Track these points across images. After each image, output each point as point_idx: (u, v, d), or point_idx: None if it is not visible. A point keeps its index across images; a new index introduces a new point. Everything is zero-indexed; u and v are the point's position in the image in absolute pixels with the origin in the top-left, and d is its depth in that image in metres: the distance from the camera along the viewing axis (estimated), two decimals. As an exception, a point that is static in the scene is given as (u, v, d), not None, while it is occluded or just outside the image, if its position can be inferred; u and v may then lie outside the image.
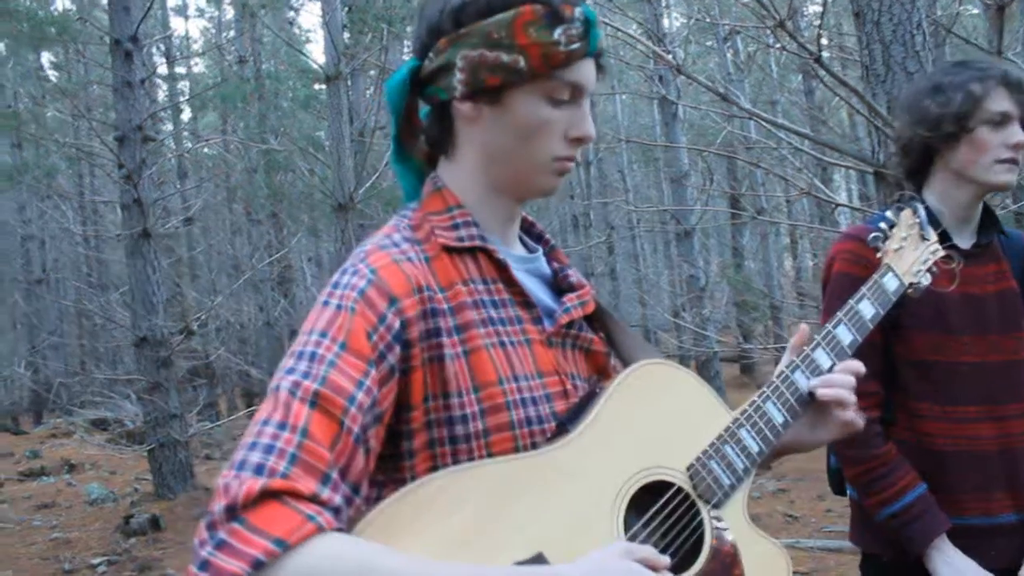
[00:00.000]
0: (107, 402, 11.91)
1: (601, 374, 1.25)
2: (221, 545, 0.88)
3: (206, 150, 19.08)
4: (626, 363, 1.24)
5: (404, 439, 1.07)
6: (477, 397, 1.08)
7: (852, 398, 1.26)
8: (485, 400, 1.08)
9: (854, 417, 1.27)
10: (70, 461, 11.52)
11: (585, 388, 1.19)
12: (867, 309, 1.37)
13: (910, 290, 1.44)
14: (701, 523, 1.15)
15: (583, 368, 1.22)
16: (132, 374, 9.52)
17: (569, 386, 1.16)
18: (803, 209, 16.93)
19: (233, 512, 0.90)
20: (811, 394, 1.27)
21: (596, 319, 1.27)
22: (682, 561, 1.12)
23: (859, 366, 1.29)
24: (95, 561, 7.02)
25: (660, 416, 1.16)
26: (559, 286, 1.25)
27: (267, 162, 14.76)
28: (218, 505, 0.91)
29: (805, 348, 1.30)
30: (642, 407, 1.15)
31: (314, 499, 0.93)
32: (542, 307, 1.19)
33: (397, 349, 1.04)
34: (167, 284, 9.53)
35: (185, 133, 20.51)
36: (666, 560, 1.03)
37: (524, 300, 1.17)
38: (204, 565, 0.88)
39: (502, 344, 1.12)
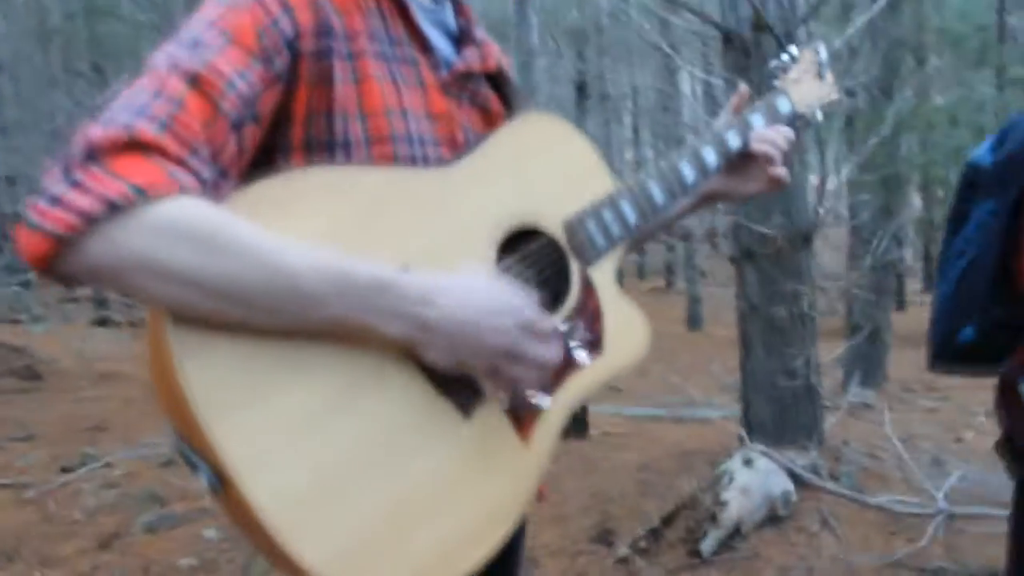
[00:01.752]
0: None
1: None
2: (76, 185, 0.84)
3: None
4: None
5: (279, 155, 1.04)
6: (363, 126, 1.05)
7: (780, 155, 1.34)
8: (371, 130, 1.05)
9: (783, 173, 1.35)
10: None
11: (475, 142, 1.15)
12: (757, 121, 1.40)
13: (799, 121, 1.47)
14: (569, 276, 1.14)
15: (477, 124, 1.18)
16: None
17: (460, 136, 1.14)
18: (647, 99, 17.12)
19: (93, 156, 0.85)
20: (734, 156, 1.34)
21: (497, 82, 1.23)
22: (546, 308, 1.08)
23: (789, 133, 1.38)
24: None
25: (545, 166, 1.14)
26: (462, 41, 1.20)
27: (87, 6, 13.44)
28: (76, 149, 0.86)
29: (698, 143, 1.33)
30: (529, 153, 1.13)
31: (181, 163, 0.88)
32: (441, 56, 1.16)
33: (286, 55, 1.00)
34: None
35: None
36: (533, 296, 1.02)
37: (422, 44, 1.13)
38: (54, 201, 0.84)
39: (394, 80, 1.09)
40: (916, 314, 12.54)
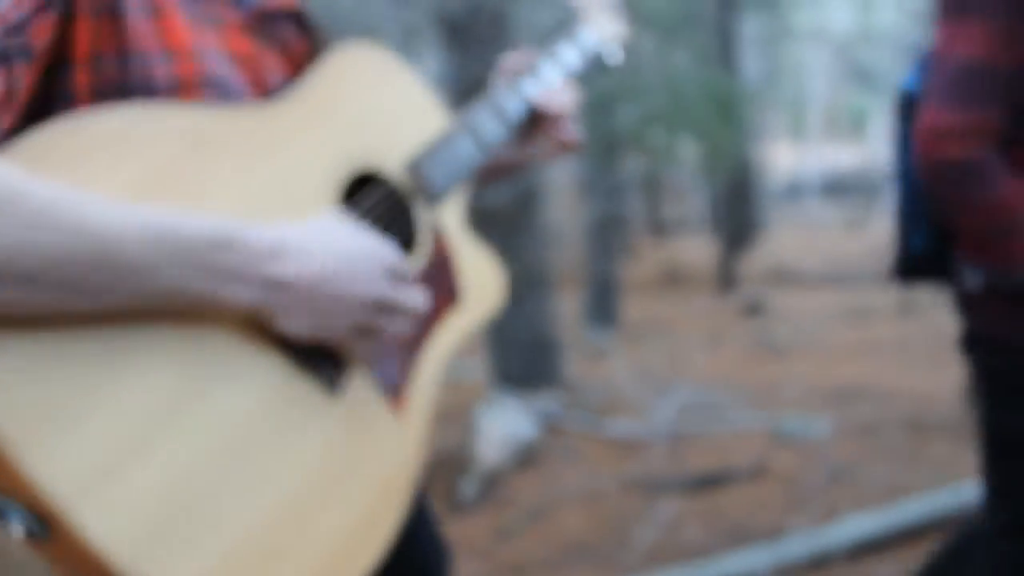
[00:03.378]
0: None
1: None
2: None
3: None
4: None
5: (59, 106, 0.79)
6: (168, 68, 0.82)
7: (569, 117, 1.18)
8: (177, 72, 0.83)
9: (573, 136, 1.18)
10: None
11: (280, 86, 0.97)
12: (568, 53, 1.25)
13: (601, 57, 1.36)
14: (414, 220, 1.00)
15: (282, 66, 0.98)
16: None
17: (267, 80, 0.94)
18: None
19: None
20: (529, 114, 1.16)
21: (298, 22, 1.04)
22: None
23: (573, 97, 1.20)
24: None
25: (375, 102, 0.99)
26: None
27: None
28: None
29: (517, 76, 1.17)
30: (356, 89, 0.98)
31: None
32: None
33: None
34: None
35: None
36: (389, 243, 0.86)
37: None
38: None
39: (192, 16, 0.87)
40: (645, 261, 13.41)
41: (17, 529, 0.65)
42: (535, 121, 1.18)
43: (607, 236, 7.86)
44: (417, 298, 0.86)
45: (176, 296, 0.71)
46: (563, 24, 1.40)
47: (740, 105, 9.75)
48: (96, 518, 0.65)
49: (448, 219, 1.05)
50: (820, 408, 4.60)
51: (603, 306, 7.75)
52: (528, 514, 3.46)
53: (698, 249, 13.98)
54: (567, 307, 8.00)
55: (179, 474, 0.71)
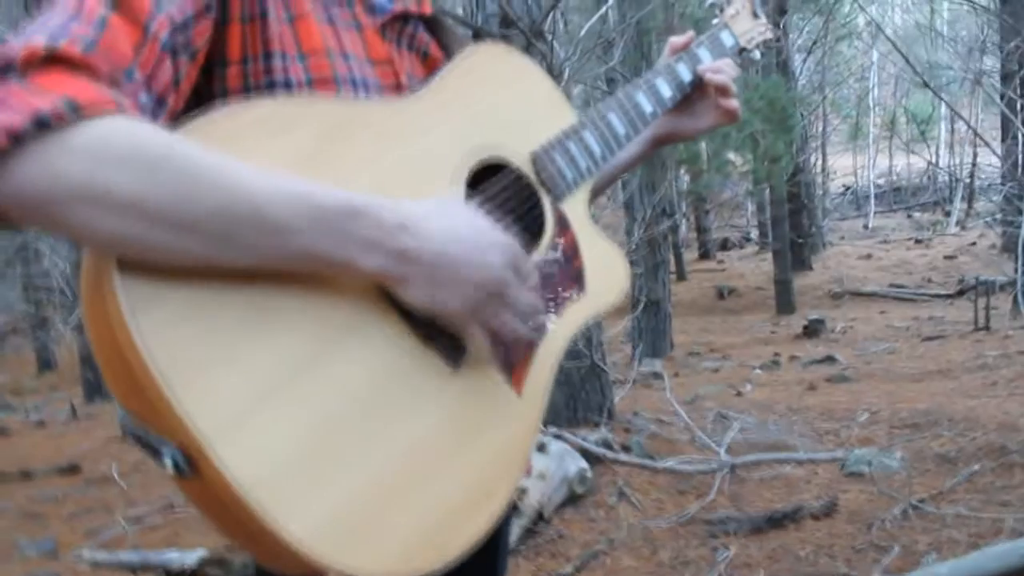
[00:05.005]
0: None
1: None
2: None
3: None
4: None
5: (217, 99, 0.93)
6: (304, 66, 0.96)
7: (734, 87, 1.32)
8: (313, 70, 0.96)
9: (737, 105, 1.32)
10: None
11: (415, 84, 1.09)
12: (704, 54, 1.38)
13: (741, 54, 1.48)
14: (541, 211, 1.09)
15: (418, 70, 1.11)
16: None
17: (403, 80, 1.06)
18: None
19: (10, 71, 0.72)
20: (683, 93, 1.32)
21: (433, 28, 1.17)
22: (521, 244, 1.01)
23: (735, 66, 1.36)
24: None
25: (504, 98, 1.09)
26: None
27: None
28: None
29: (650, 76, 1.31)
30: (486, 85, 1.08)
31: (114, 84, 0.77)
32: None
33: None
34: None
35: None
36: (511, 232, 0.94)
37: None
38: None
39: (331, 21, 1.00)
40: (696, 283, 13.25)
41: (168, 465, 0.75)
42: (696, 96, 1.33)
43: (654, 256, 7.77)
44: (532, 300, 0.92)
45: (312, 258, 0.79)
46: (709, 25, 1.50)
47: (794, 111, 9.62)
48: (234, 456, 0.74)
49: (575, 211, 1.12)
50: (892, 437, 4.45)
51: (652, 330, 7.65)
52: (577, 558, 3.37)
53: (751, 266, 13.80)
54: (614, 332, 7.90)
55: (310, 422, 0.79)
